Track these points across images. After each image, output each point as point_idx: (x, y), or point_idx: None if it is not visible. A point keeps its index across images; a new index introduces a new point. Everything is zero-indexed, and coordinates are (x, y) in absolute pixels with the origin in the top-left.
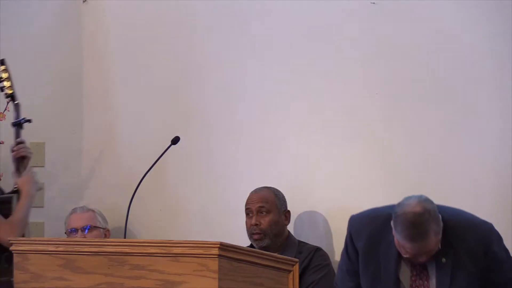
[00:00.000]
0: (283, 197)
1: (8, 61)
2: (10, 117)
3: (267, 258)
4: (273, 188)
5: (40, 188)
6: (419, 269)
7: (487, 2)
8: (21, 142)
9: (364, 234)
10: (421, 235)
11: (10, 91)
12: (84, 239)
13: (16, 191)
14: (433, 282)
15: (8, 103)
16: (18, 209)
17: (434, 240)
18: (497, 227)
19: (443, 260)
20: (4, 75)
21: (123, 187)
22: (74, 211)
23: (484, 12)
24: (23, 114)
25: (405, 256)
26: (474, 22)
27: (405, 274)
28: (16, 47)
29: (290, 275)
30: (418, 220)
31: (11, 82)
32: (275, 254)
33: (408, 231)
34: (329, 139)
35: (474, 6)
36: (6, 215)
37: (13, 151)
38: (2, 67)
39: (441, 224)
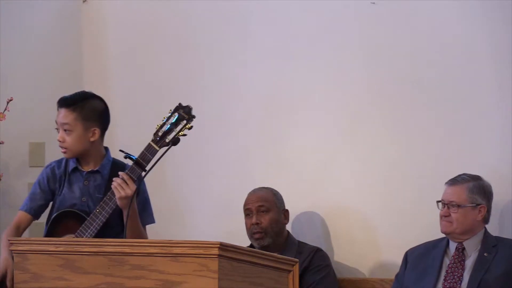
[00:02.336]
0: (281, 196)
1: (8, 61)
2: (11, 117)
3: (267, 258)
4: (271, 188)
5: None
6: (458, 259)
7: (487, 2)
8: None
9: (418, 251)
10: (457, 181)
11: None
12: (84, 239)
13: None
14: (467, 271)
15: (8, 103)
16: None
17: (465, 193)
18: (498, 227)
19: (485, 254)
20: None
21: None
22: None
23: (484, 11)
24: (23, 113)
25: (442, 205)
26: (475, 22)
27: (445, 264)
28: (16, 47)
29: (290, 275)
30: (462, 174)
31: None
32: (275, 254)
33: (452, 178)
34: (328, 139)
35: (474, 6)
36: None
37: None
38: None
39: (482, 191)
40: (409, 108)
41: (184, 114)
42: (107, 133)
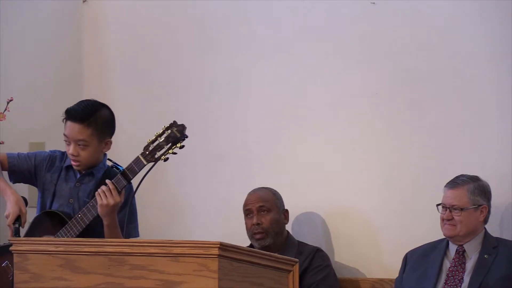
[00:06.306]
0: (281, 196)
1: (8, 61)
2: (11, 117)
3: (267, 258)
4: (270, 187)
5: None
6: (458, 262)
7: (486, 2)
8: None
9: (417, 253)
10: (457, 184)
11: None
12: (84, 239)
13: None
14: (468, 273)
15: (8, 103)
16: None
17: (466, 195)
18: (498, 228)
19: (486, 256)
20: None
21: None
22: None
23: (483, 12)
24: (23, 113)
25: (442, 208)
26: (474, 23)
27: (445, 267)
28: (16, 47)
29: (290, 275)
30: (460, 176)
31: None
32: (275, 254)
33: (450, 180)
34: (328, 139)
35: (473, 6)
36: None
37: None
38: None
39: (482, 192)
40: (409, 108)
41: (177, 132)
42: None
